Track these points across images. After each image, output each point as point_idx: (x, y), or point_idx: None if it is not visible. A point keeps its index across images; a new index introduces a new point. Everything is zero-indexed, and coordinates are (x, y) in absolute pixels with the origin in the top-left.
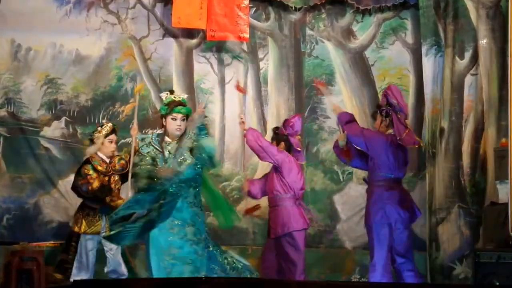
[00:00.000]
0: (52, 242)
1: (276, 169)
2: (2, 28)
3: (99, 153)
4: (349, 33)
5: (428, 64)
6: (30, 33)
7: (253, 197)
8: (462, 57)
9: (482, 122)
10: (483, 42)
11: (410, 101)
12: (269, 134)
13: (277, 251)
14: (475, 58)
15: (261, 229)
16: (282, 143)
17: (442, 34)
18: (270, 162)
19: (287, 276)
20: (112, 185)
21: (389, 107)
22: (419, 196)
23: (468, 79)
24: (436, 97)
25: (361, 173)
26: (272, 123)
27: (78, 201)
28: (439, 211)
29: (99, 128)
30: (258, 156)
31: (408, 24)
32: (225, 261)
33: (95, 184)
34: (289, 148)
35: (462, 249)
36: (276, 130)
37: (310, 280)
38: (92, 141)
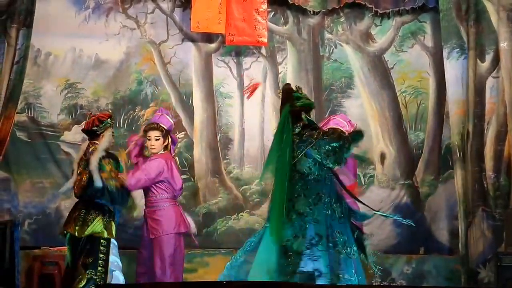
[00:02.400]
0: None
1: None
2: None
3: None
4: (367, 36)
5: (450, 66)
6: (49, 38)
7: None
8: (483, 60)
9: (505, 125)
10: (504, 44)
11: (430, 103)
12: None
13: (153, 252)
14: (496, 61)
15: None
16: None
17: (464, 36)
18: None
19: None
20: None
21: None
22: (441, 199)
23: (490, 82)
24: (461, 98)
25: (381, 177)
26: None
27: None
28: (469, 215)
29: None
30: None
31: (427, 27)
32: None
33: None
34: (167, 145)
35: (485, 253)
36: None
37: (329, 284)
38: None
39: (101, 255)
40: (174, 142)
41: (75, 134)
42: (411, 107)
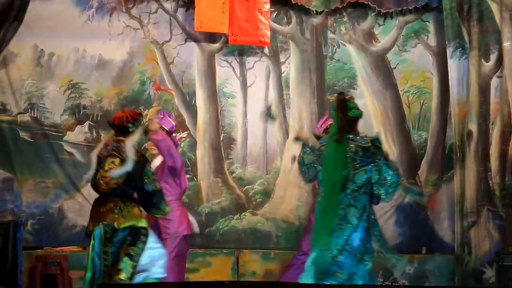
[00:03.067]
0: (75, 246)
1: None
2: (25, 34)
3: None
4: (370, 36)
5: (454, 66)
6: (52, 39)
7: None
8: (487, 60)
9: (509, 125)
10: (507, 44)
11: (433, 103)
12: (290, 138)
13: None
14: (500, 61)
15: (284, 232)
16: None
17: (466, 37)
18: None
19: None
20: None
21: None
22: (445, 198)
23: (494, 81)
24: (462, 99)
25: None
26: (294, 126)
27: None
28: (470, 214)
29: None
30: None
31: (431, 26)
32: None
33: None
34: None
35: (491, 252)
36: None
37: (332, 284)
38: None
39: (141, 245)
40: (175, 144)
41: (78, 134)
42: (414, 107)
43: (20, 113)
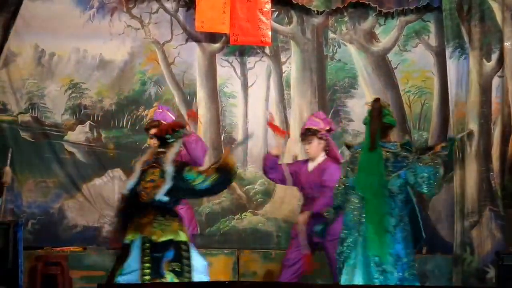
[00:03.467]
0: (75, 246)
1: None
2: (25, 33)
3: None
4: (371, 36)
5: (453, 66)
6: (53, 39)
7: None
8: (489, 59)
9: (509, 125)
10: (508, 44)
11: (434, 103)
12: (292, 137)
13: None
14: (501, 60)
15: (285, 232)
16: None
17: (465, 37)
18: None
19: None
20: None
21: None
22: (446, 198)
23: (495, 81)
24: (461, 100)
25: None
26: (294, 126)
27: (104, 205)
28: (472, 214)
29: None
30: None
31: (432, 26)
32: None
33: None
34: None
35: (494, 252)
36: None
37: (333, 283)
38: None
39: (184, 260)
40: None
41: (78, 134)
42: (415, 107)
43: (21, 113)
